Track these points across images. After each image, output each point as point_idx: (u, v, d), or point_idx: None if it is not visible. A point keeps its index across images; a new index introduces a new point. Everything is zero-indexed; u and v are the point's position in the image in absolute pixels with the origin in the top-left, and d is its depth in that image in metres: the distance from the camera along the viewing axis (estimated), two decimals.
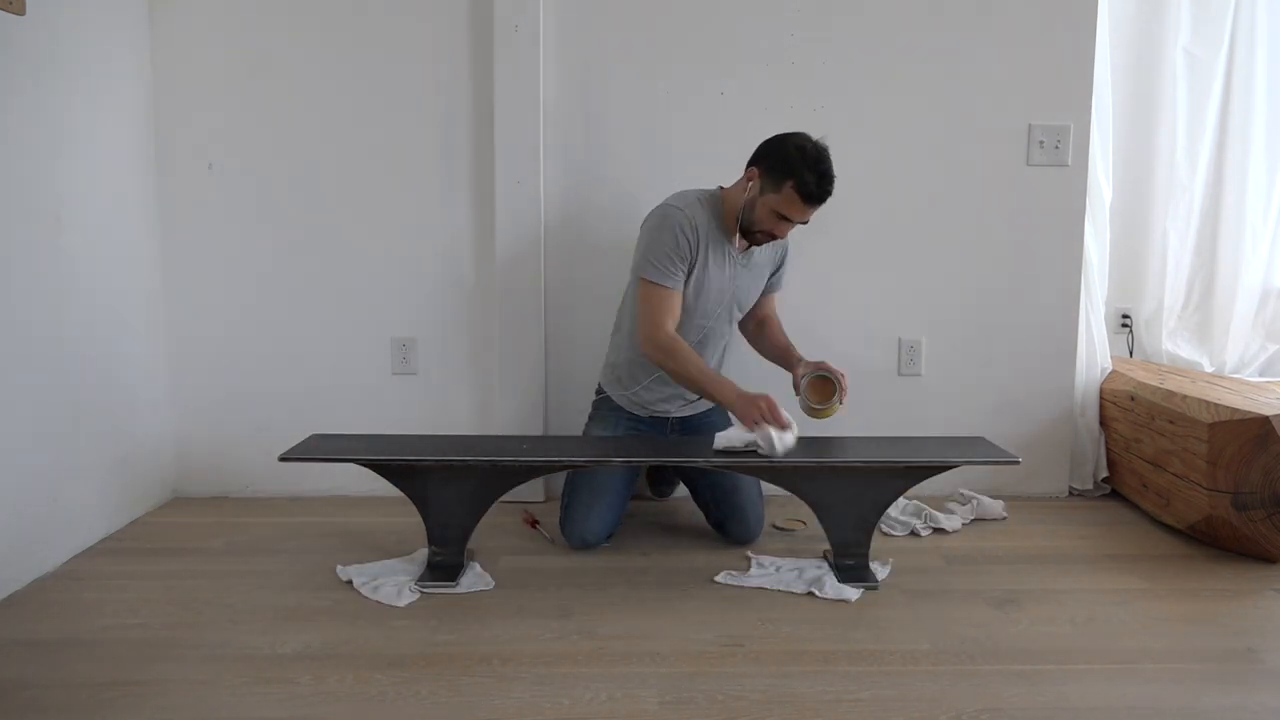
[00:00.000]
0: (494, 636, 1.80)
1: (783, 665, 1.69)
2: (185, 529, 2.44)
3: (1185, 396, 2.37)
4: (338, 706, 1.54)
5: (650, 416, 2.39)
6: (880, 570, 2.12)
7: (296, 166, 2.63)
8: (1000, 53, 2.63)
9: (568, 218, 2.66)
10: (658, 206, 2.26)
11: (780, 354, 2.40)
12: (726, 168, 2.62)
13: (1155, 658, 1.74)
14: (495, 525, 2.35)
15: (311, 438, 2.21)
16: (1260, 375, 2.93)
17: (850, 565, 2.09)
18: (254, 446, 2.64)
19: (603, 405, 2.44)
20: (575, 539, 2.26)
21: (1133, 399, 2.61)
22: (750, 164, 2.20)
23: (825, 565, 2.14)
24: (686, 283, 2.22)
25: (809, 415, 2.19)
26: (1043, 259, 2.71)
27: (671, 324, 2.18)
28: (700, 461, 2.11)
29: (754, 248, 2.29)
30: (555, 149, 2.63)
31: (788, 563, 2.17)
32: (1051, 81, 2.65)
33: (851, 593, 2.00)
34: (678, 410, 2.40)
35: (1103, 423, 2.78)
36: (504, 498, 2.12)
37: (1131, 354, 3.03)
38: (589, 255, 2.68)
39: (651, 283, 2.18)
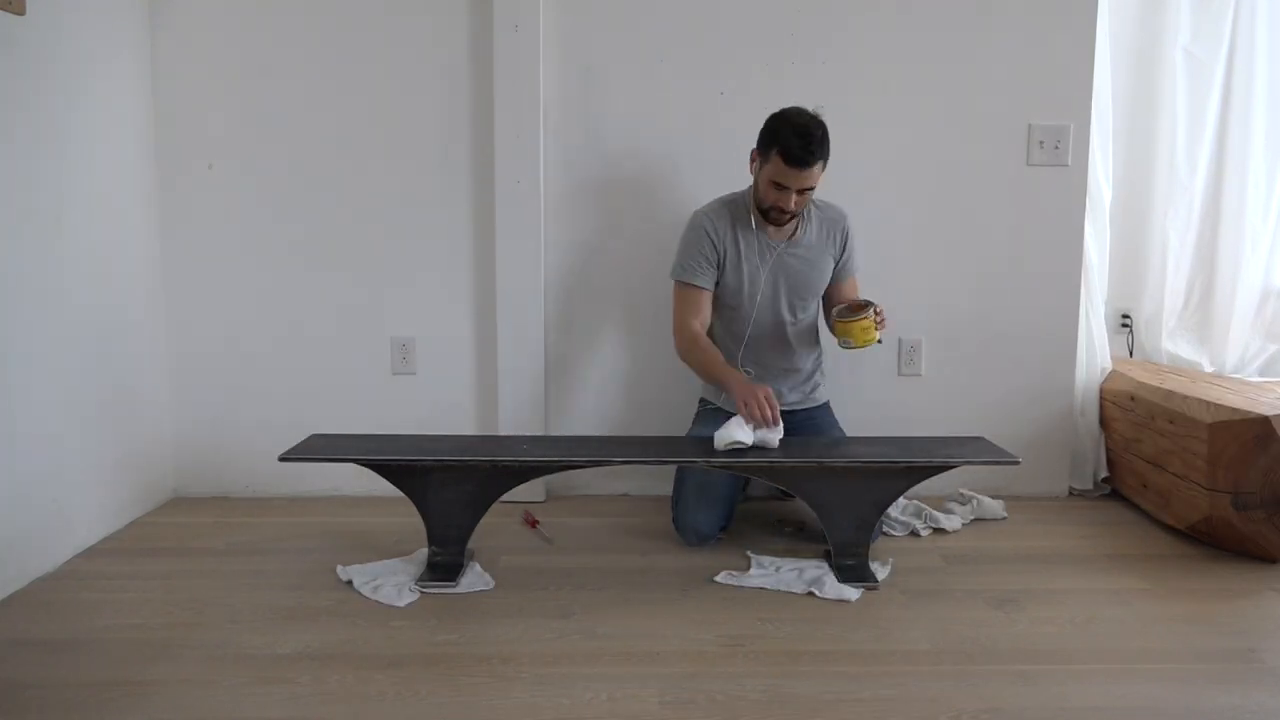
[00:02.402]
0: (494, 636, 1.80)
1: (783, 665, 1.69)
2: (185, 529, 2.44)
3: (1185, 396, 2.36)
4: (338, 706, 1.54)
5: None
6: (880, 570, 2.12)
7: (296, 166, 2.63)
8: (1000, 53, 2.63)
9: (567, 217, 2.66)
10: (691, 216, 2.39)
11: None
12: (726, 168, 2.62)
13: (1155, 658, 1.74)
14: (495, 525, 2.35)
15: (311, 438, 2.21)
16: (1260, 375, 2.93)
17: (850, 565, 2.09)
18: (254, 446, 2.64)
19: (705, 409, 2.47)
20: (689, 534, 2.28)
21: (1133, 399, 2.61)
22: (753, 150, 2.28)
23: (825, 565, 2.14)
24: (725, 277, 2.33)
25: (842, 337, 2.22)
26: (1043, 259, 2.70)
27: (698, 322, 2.32)
28: (700, 461, 2.11)
29: (801, 234, 2.34)
30: (555, 149, 2.63)
31: (788, 563, 2.17)
32: (1051, 81, 2.65)
33: (851, 593, 2.00)
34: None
35: (1103, 423, 2.78)
36: (504, 498, 2.12)
37: (1131, 354, 3.02)
38: (589, 255, 2.68)
39: (679, 282, 2.34)
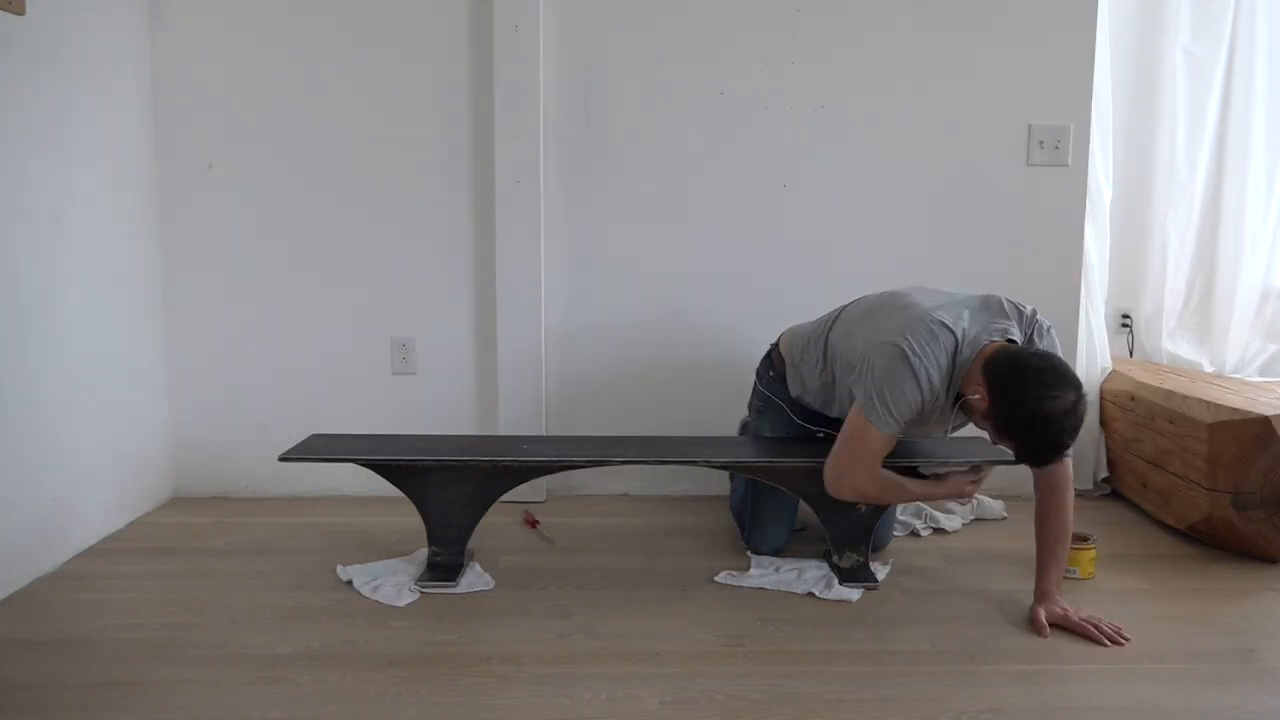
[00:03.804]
0: (494, 636, 1.80)
1: (783, 665, 1.69)
2: (185, 529, 2.44)
3: (1185, 396, 2.36)
4: (338, 706, 1.54)
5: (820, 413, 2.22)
6: (880, 570, 2.12)
7: (296, 166, 2.63)
8: (1000, 53, 2.63)
9: (567, 217, 2.66)
10: (905, 343, 1.87)
11: (1038, 539, 1.96)
12: (727, 168, 2.63)
13: (1155, 658, 1.74)
14: (495, 525, 2.35)
15: (311, 438, 2.21)
16: (1260, 375, 2.93)
17: (850, 566, 2.09)
18: (254, 446, 2.64)
19: (769, 400, 2.31)
20: (768, 546, 2.23)
21: (1133, 399, 2.61)
22: (985, 379, 1.80)
23: (825, 565, 2.14)
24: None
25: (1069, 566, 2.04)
26: (1043, 259, 2.70)
27: (878, 465, 1.95)
28: (699, 461, 2.10)
29: None
30: (555, 149, 2.63)
31: (787, 563, 2.17)
32: (1051, 81, 2.65)
33: (851, 593, 2.00)
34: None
35: (1103, 423, 2.78)
36: (504, 498, 2.12)
37: (1131, 354, 3.02)
38: (588, 254, 2.68)
39: (875, 429, 1.89)
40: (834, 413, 2.16)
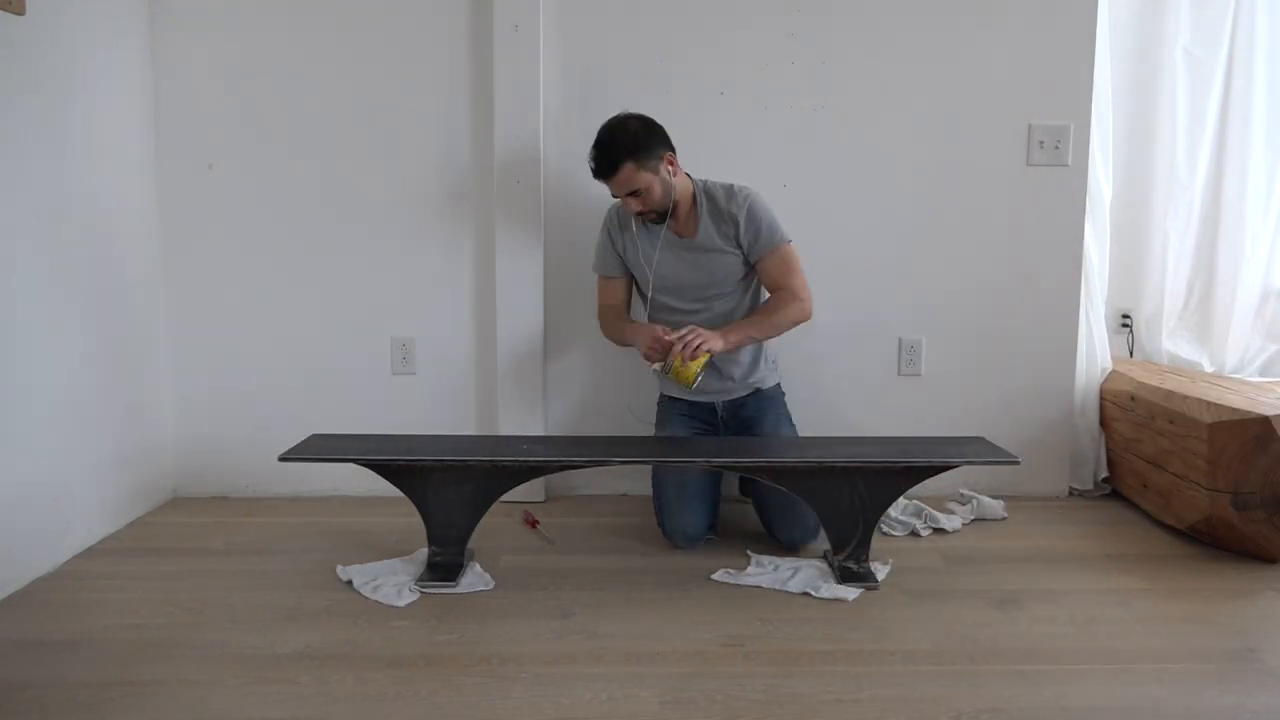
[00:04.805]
0: (494, 636, 1.80)
1: (783, 665, 1.69)
2: (185, 529, 2.44)
3: (1185, 396, 2.36)
4: (338, 706, 1.54)
5: (698, 403, 2.43)
6: (880, 570, 2.12)
7: (296, 167, 2.63)
8: (1000, 53, 2.63)
9: (567, 218, 2.66)
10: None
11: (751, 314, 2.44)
12: (726, 168, 2.62)
13: (1155, 658, 1.74)
14: (495, 525, 2.35)
15: (311, 438, 2.21)
16: (1260, 375, 2.93)
17: (850, 565, 2.09)
18: (254, 446, 2.64)
19: (662, 408, 2.52)
20: (678, 536, 2.25)
21: (1133, 399, 2.61)
22: None
23: (825, 565, 2.14)
24: (630, 269, 2.44)
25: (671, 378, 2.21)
26: (1043, 259, 2.70)
27: (608, 303, 2.46)
28: (700, 461, 2.10)
29: (696, 229, 2.33)
30: (555, 149, 2.63)
31: (786, 562, 2.17)
32: (1051, 81, 2.65)
33: (849, 593, 2.00)
34: (719, 397, 2.41)
35: (1103, 423, 2.78)
36: (504, 498, 2.12)
37: (1131, 354, 3.02)
38: (589, 255, 2.68)
39: (596, 273, 2.49)
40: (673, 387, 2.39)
